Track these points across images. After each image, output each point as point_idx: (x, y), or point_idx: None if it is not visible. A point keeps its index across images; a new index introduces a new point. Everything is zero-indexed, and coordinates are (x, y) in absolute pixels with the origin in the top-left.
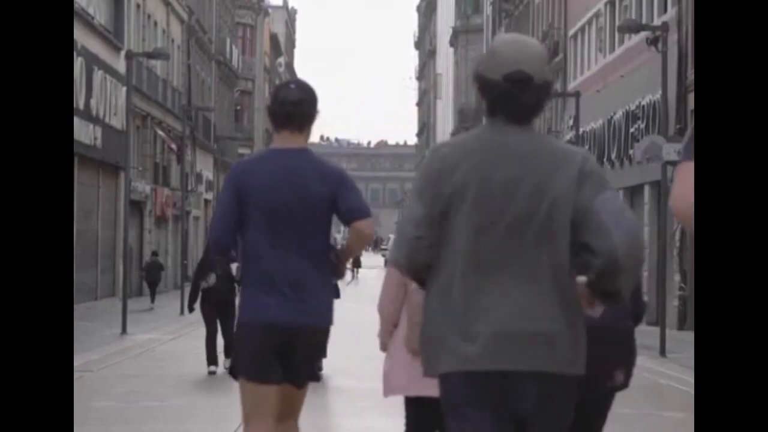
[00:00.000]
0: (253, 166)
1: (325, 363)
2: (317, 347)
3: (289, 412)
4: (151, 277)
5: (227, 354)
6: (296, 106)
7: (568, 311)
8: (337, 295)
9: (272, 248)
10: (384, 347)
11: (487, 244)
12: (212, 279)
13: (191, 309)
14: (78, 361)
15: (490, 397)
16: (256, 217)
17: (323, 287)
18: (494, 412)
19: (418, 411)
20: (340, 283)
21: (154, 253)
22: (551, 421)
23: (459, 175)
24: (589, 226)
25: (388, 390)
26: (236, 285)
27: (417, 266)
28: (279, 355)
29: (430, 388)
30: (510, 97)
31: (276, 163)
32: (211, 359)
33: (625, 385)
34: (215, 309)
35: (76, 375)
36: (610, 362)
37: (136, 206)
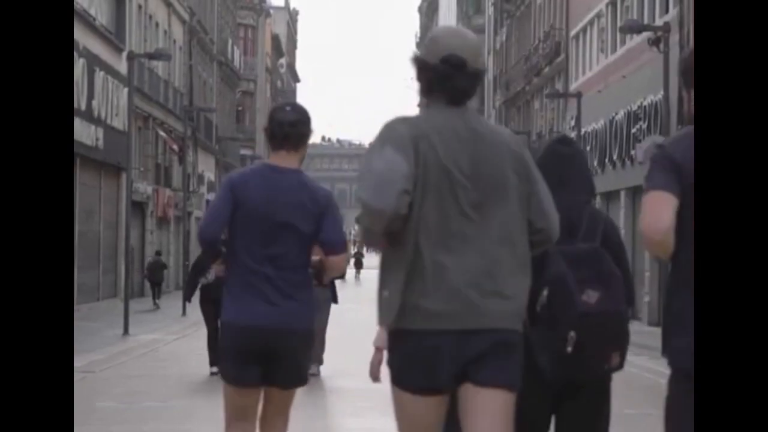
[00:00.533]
0: (252, 178)
1: (325, 363)
2: (299, 349)
3: (275, 413)
4: (153, 277)
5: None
6: (293, 127)
7: (522, 274)
8: (335, 301)
9: (258, 256)
10: (380, 341)
11: (447, 215)
12: (211, 275)
13: (189, 299)
14: (80, 361)
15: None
16: (247, 226)
17: (304, 294)
18: (451, 363)
19: None
20: (340, 284)
21: (158, 253)
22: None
23: (430, 146)
24: (536, 210)
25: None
26: None
27: (398, 220)
28: (259, 357)
29: None
30: (446, 78)
31: (273, 179)
32: (214, 360)
33: (620, 366)
34: (214, 306)
35: (78, 376)
36: (607, 345)
37: (138, 207)
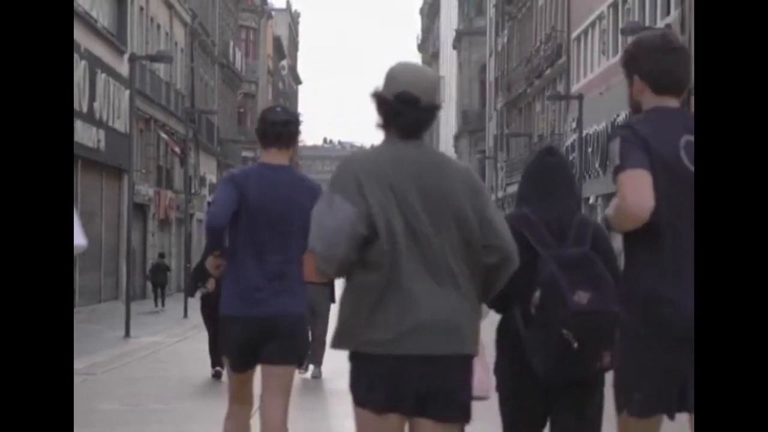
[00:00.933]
0: (251, 174)
1: (325, 365)
2: (293, 330)
3: (276, 387)
4: (156, 279)
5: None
6: (284, 126)
7: (467, 302)
8: (333, 300)
9: (255, 249)
10: None
11: (398, 245)
12: (211, 284)
13: (192, 295)
14: (81, 363)
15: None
16: (245, 220)
17: (298, 284)
18: (401, 384)
19: None
20: (340, 284)
21: (161, 255)
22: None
23: (376, 182)
24: (487, 232)
25: None
26: None
27: (350, 264)
28: (258, 342)
29: None
30: (399, 113)
31: (268, 176)
32: (216, 361)
33: (611, 366)
34: (215, 312)
35: (79, 378)
36: (599, 344)
37: (140, 209)
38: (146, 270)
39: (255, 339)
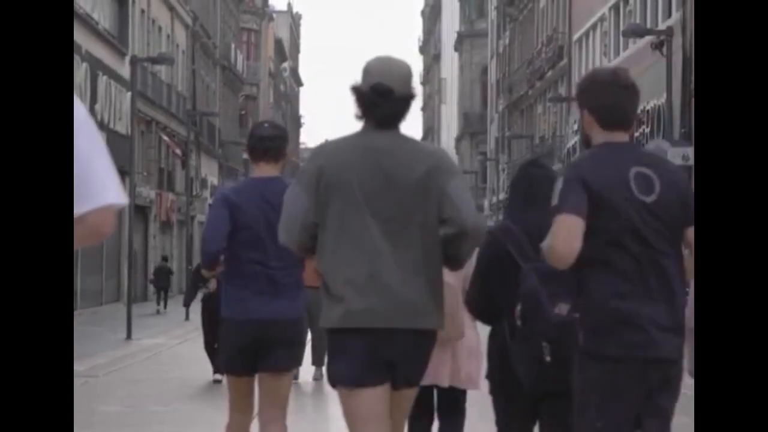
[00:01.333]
0: (243, 189)
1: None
2: (290, 336)
3: (273, 403)
4: (159, 282)
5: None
6: (272, 141)
7: (432, 277)
8: None
9: (253, 257)
10: None
11: (366, 226)
12: (213, 285)
13: (188, 304)
14: (83, 365)
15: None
16: (241, 231)
17: (295, 289)
18: (372, 356)
19: (418, 396)
20: None
21: (164, 258)
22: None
23: (337, 170)
24: (444, 205)
25: None
26: None
27: (309, 246)
28: (255, 346)
29: (428, 375)
30: (374, 104)
31: (260, 188)
32: (218, 367)
33: None
34: (215, 315)
35: (80, 380)
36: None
37: (141, 211)
38: (147, 272)
39: (255, 342)
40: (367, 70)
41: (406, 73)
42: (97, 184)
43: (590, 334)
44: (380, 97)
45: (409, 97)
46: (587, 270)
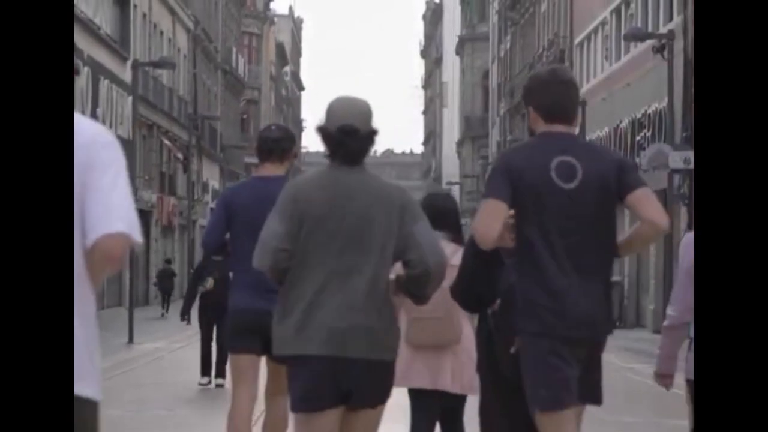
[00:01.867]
0: (242, 190)
1: None
2: None
3: (276, 388)
4: (163, 285)
5: (219, 371)
6: (276, 143)
7: (383, 310)
8: None
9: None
10: None
11: (330, 257)
12: (209, 283)
13: (183, 317)
14: None
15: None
16: (242, 230)
17: None
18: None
19: (420, 402)
20: None
21: (167, 261)
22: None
23: (309, 203)
24: (410, 246)
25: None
26: None
27: (279, 272)
28: (257, 333)
29: (429, 380)
30: (341, 144)
31: (260, 187)
32: (205, 369)
33: None
34: (212, 313)
35: None
36: None
37: (143, 215)
38: (149, 276)
39: (263, 328)
40: (332, 111)
41: (367, 111)
42: (112, 214)
43: (522, 314)
44: (347, 136)
45: (372, 134)
46: (517, 253)
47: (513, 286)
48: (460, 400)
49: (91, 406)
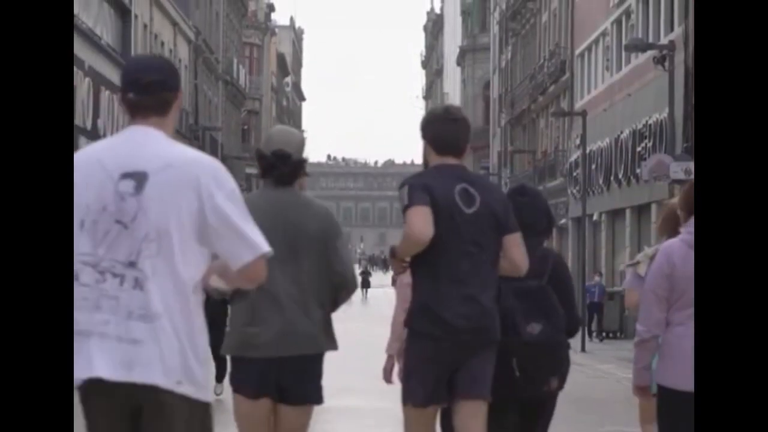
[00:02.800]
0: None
1: (332, 382)
2: None
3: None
4: None
5: (218, 376)
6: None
7: (316, 315)
8: None
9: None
10: (392, 349)
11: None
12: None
13: None
14: None
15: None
16: None
17: None
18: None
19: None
20: (349, 303)
21: None
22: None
23: (256, 217)
24: (334, 260)
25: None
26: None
27: None
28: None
29: None
30: (274, 167)
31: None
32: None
33: (559, 388)
34: (213, 319)
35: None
36: (545, 371)
37: None
38: None
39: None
40: (270, 138)
41: (300, 141)
42: (254, 238)
43: (417, 318)
44: (279, 160)
45: (302, 162)
46: (418, 269)
47: (512, 309)
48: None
49: (202, 406)
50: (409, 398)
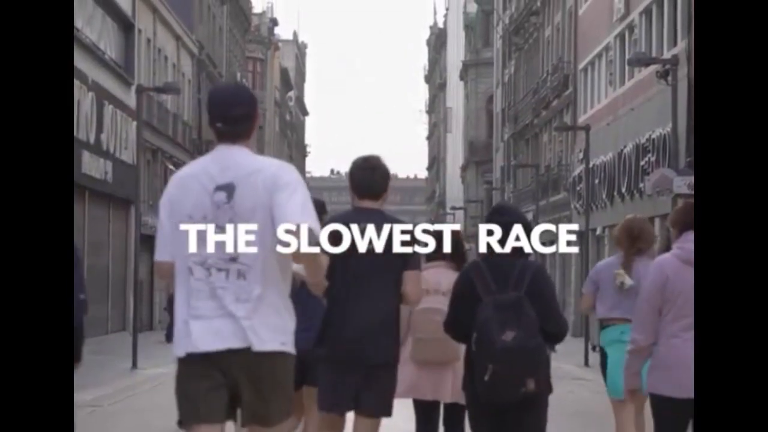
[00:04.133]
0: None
1: None
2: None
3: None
4: (173, 310)
5: None
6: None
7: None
8: None
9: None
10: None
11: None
12: None
13: (169, 340)
14: (88, 395)
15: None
16: None
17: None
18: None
19: (423, 410)
20: None
21: None
22: None
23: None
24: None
25: (398, 394)
26: None
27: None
28: None
29: (430, 392)
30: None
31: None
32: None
33: (536, 390)
34: None
35: (86, 410)
36: (522, 373)
37: (147, 240)
38: (153, 301)
39: None
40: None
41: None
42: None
43: (320, 336)
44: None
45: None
46: (330, 290)
47: (488, 321)
48: (460, 409)
49: (286, 357)
50: (321, 406)
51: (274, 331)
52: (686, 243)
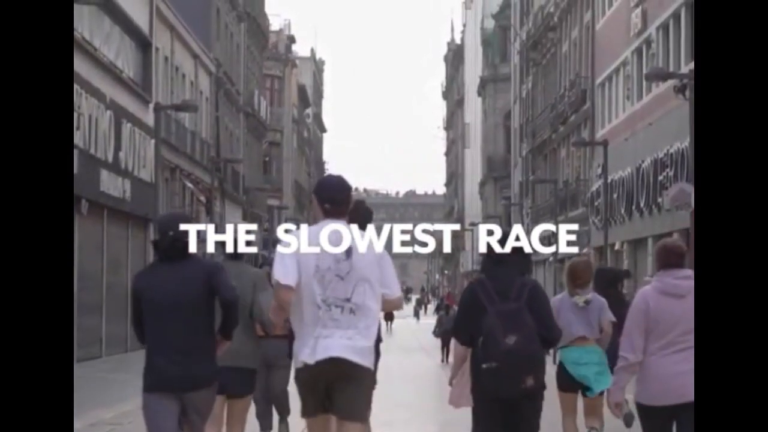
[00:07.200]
0: None
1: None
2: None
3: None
4: None
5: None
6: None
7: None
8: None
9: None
10: (451, 382)
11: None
12: None
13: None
14: (108, 413)
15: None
16: None
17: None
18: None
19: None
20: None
21: None
22: None
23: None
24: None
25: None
26: None
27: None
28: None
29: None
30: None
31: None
32: None
33: (536, 386)
34: None
35: (106, 428)
36: (520, 371)
37: None
38: None
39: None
40: (161, 223)
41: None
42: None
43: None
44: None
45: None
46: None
47: (493, 326)
48: None
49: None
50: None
51: (365, 351)
52: (664, 277)
